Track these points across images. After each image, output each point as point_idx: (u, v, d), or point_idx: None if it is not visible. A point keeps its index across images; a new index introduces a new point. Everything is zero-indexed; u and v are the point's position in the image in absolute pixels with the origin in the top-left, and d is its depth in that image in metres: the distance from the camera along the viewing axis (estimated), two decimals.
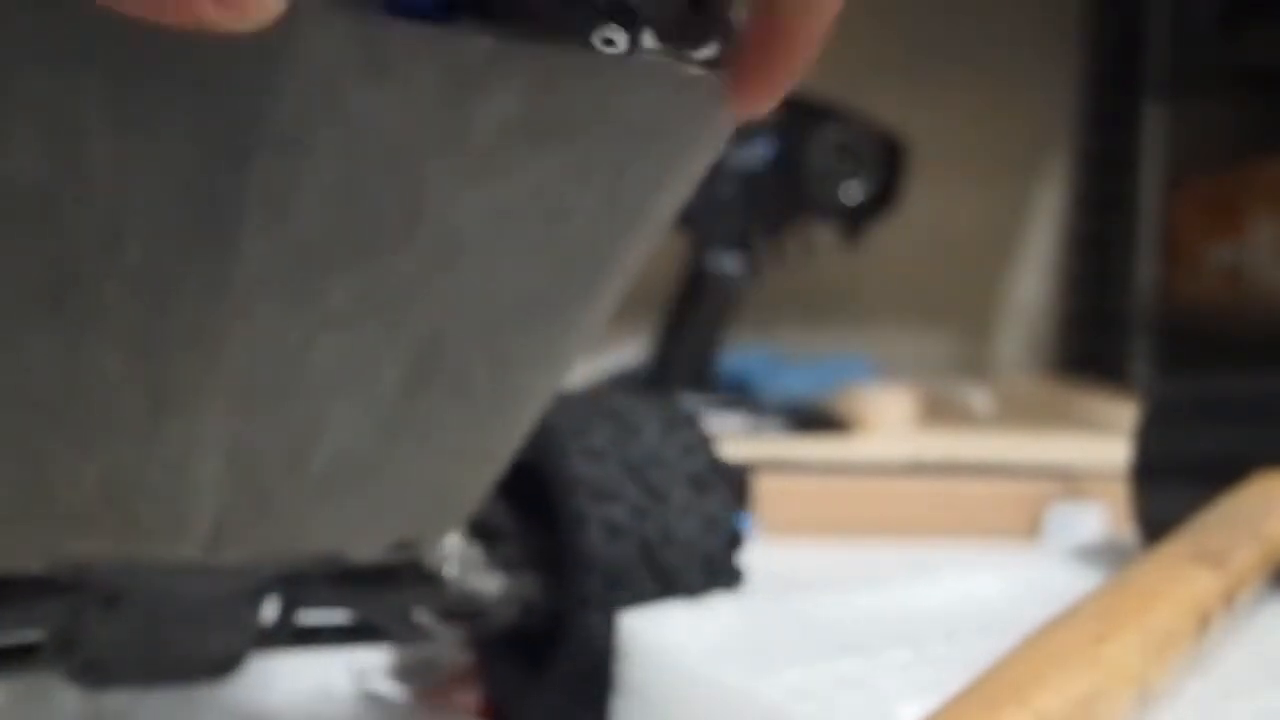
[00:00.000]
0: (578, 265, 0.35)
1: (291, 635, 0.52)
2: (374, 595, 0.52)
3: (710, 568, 0.56)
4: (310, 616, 0.54)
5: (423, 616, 0.54)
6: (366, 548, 0.45)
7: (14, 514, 0.38)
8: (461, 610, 0.55)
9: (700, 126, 0.32)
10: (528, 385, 0.40)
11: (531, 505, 0.58)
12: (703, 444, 0.59)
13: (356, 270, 0.33)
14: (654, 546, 0.55)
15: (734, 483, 0.59)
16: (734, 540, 0.57)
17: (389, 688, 0.63)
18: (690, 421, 0.60)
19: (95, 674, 0.48)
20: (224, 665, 0.50)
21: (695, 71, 0.31)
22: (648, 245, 0.37)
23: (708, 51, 0.31)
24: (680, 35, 0.30)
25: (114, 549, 0.40)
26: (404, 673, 0.65)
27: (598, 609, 0.54)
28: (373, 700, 0.62)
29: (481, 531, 0.59)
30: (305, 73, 0.27)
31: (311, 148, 0.29)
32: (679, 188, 0.35)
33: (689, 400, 1.17)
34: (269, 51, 0.27)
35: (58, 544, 0.39)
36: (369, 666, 0.64)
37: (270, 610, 0.51)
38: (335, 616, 0.55)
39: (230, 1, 0.23)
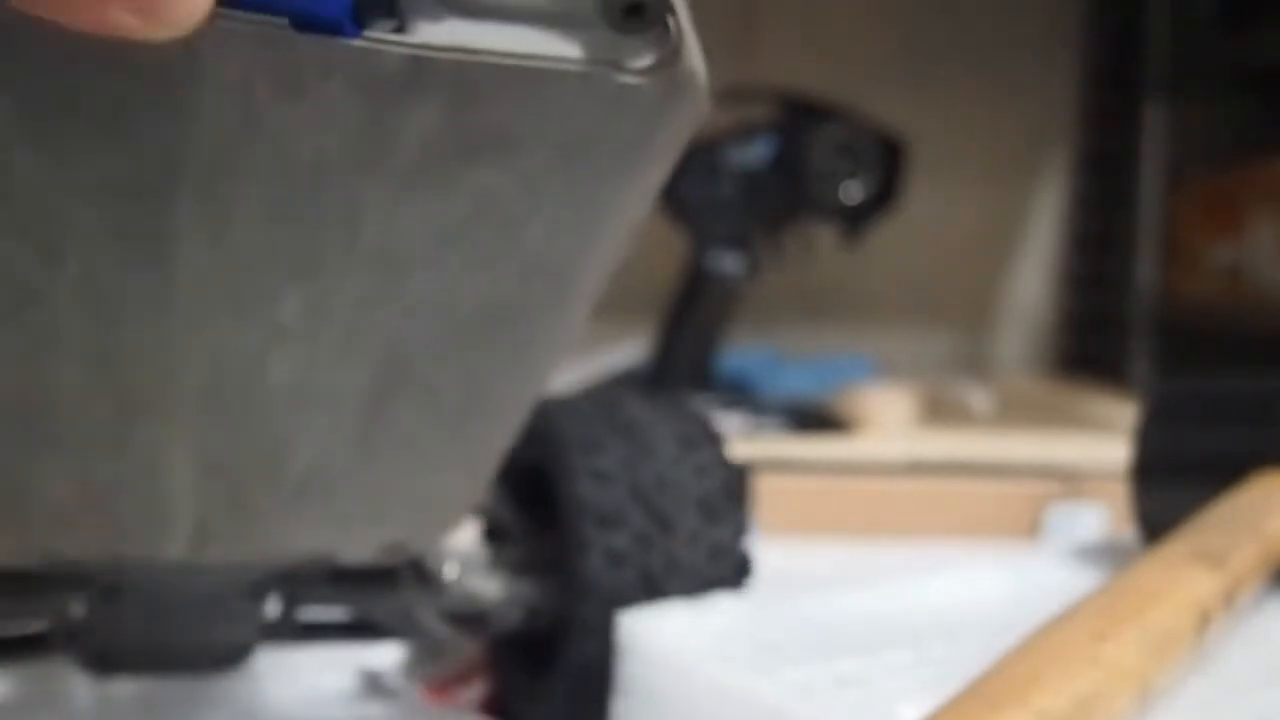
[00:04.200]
0: (540, 274, 0.35)
1: (296, 630, 0.53)
2: (374, 595, 0.52)
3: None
4: (315, 613, 0.55)
5: (429, 621, 0.54)
6: (356, 550, 0.45)
7: None
8: (464, 612, 0.55)
9: (649, 135, 0.31)
10: (502, 394, 0.40)
11: (537, 504, 0.58)
12: (701, 423, 0.59)
13: (303, 285, 0.33)
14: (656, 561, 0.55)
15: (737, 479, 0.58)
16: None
17: (394, 681, 0.63)
18: (696, 421, 0.59)
19: (103, 663, 0.49)
20: (230, 657, 0.50)
21: (632, 81, 0.29)
22: (616, 251, 0.36)
23: (645, 60, 0.29)
24: (615, 46, 0.29)
25: (99, 548, 0.40)
26: (409, 665, 0.65)
27: (599, 614, 0.54)
28: (377, 695, 0.62)
29: (488, 532, 0.59)
30: (217, 93, 0.27)
31: (238, 169, 0.29)
32: (638, 196, 0.34)
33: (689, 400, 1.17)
34: (177, 72, 0.26)
35: (44, 542, 0.40)
36: (374, 659, 0.64)
37: (274, 605, 0.51)
38: (340, 612, 0.56)
39: (143, 6, 0.21)
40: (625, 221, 0.35)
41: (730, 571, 0.56)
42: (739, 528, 0.56)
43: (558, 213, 0.33)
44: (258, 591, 0.49)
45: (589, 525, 0.54)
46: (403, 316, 0.35)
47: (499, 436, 0.42)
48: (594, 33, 0.29)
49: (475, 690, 0.64)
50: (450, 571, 0.54)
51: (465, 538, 0.58)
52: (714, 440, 0.58)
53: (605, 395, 0.60)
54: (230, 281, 0.32)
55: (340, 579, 0.51)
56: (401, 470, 0.41)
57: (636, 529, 0.54)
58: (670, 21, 0.29)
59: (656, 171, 0.33)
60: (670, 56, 0.29)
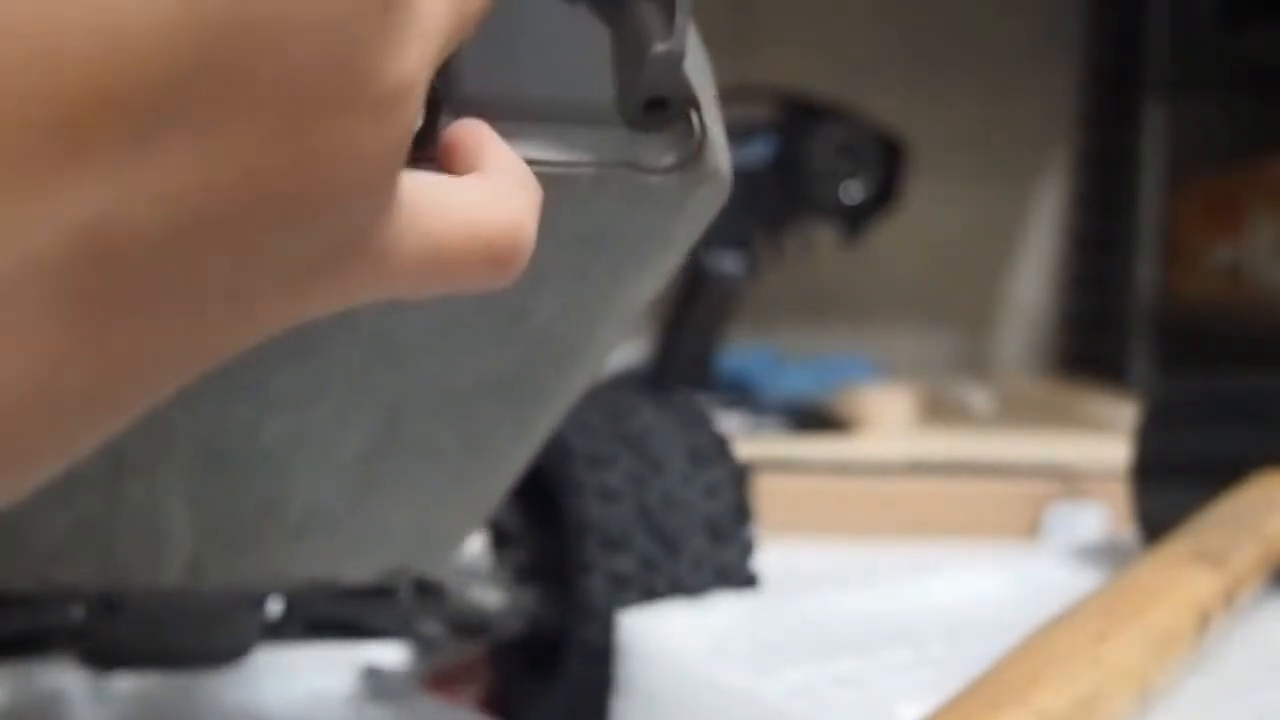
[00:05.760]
0: (547, 352, 0.34)
1: (296, 630, 0.53)
2: (375, 605, 0.52)
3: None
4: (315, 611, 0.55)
5: (430, 629, 0.54)
6: (356, 575, 0.45)
7: None
8: (466, 621, 0.54)
9: (667, 226, 0.30)
10: (504, 446, 0.40)
11: (543, 506, 0.58)
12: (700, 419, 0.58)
13: (296, 366, 0.33)
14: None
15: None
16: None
17: (394, 681, 0.63)
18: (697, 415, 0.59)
19: (102, 660, 0.49)
20: (230, 656, 0.50)
21: (652, 181, 0.28)
22: (628, 324, 0.35)
23: (666, 160, 0.28)
24: (634, 146, 0.27)
25: (95, 577, 0.41)
26: (408, 661, 0.65)
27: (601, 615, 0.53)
28: (376, 692, 0.62)
29: (492, 532, 0.59)
30: None
31: None
32: (653, 278, 0.33)
33: None
34: None
35: (39, 570, 0.40)
36: (374, 659, 0.64)
37: (274, 604, 0.51)
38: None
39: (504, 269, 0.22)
40: (639, 300, 0.34)
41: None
42: (746, 548, 0.55)
43: (567, 298, 0.32)
44: (257, 600, 0.49)
45: (593, 547, 0.53)
46: (402, 388, 0.35)
47: (503, 477, 0.42)
48: (612, 131, 0.27)
49: (476, 686, 0.64)
50: (451, 581, 0.54)
51: (469, 542, 0.58)
52: (724, 455, 0.57)
53: (613, 402, 0.58)
54: (219, 365, 0.32)
55: (340, 593, 0.51)
56: (403, 508, 0.41)
57: (642, 552, 0.53)
58: (694, 116, 0.28)
59: (674, 256, 0.32)
60: (692, 154, 0.28)
